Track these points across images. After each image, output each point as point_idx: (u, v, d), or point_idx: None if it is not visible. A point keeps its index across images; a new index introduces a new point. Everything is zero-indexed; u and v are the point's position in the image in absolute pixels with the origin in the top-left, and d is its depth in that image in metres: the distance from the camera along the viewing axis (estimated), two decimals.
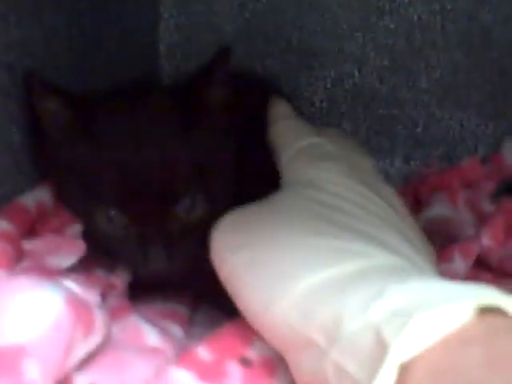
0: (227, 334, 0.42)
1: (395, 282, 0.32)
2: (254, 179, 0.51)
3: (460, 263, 0.56)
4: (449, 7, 0.78)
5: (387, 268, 0.35)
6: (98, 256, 0.51)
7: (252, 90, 0.63)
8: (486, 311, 0.28)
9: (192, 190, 0.48)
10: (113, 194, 0.46)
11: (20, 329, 0.34)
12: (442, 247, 0.63)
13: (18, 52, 0.49)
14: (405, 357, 0.28)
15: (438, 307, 0.28)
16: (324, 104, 0.82)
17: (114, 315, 0.45)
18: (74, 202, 0.49)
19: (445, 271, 0.54)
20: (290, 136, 0.51)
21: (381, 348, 0.29)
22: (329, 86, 0.82)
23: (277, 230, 0.40)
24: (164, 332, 0.47)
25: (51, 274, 0.43)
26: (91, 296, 0.42)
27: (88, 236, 0.49)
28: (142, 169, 0.46)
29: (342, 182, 0.45)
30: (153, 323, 0.48)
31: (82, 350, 0.38)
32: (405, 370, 0.28)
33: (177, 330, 0.50)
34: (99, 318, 0.40)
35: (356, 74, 0.81)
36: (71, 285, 0.41)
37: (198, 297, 0.56)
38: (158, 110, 0.50)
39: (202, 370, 0.40)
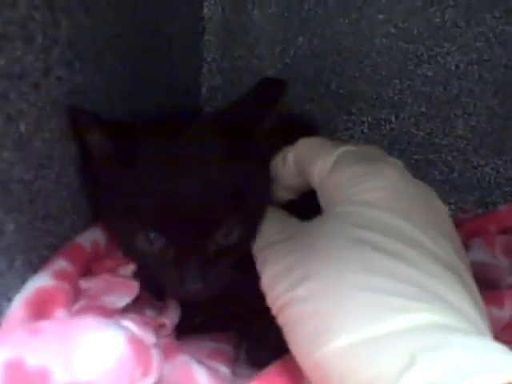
0: (276, 373, 0.43)
1: (432, 348, 0.32)
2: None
3: (509, 310, 0.57)
4: (486, 57, 0.79)
5: (432, 327, 0.35)
6: (147, 296, 0.53)
7: (292, 126, 0.64)
8: None
9: (230, 220, 0.48)
10: (153, 218, 0.47)
11: (89, 366, 0.36)
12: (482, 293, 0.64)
13: (80, 96, 0.52)
14: None
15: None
16: None
17: (164, 355, 0.46)
18: (118, 226, 0.50)
19: (492, 315, 0.54)
20: (324, 146, 0.50)
21: None
22: (366, 130, 0.84)
23: (328, 272, 0.40)
24: (212, 372, 0.48)
25: (108, 313, 0.45)
26: (148, 336, 0.43)
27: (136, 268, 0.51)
28: (182, 196, 0.47)
29: (394, 204, 0.43)
30: (201, 363, 0.49)
31: None
32: None
33: (223, 370, 0.51)
34: (156, 358, 0.41)
35: (393, 119, 0.83)
36: (130, 325, 0.42)
37: (241, 333, 0.57)
38: (201, 139, 0.50)
39: None
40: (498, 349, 0.32)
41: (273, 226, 0.49)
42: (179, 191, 0.47)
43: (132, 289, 0.49)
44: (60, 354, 0.36)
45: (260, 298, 0.45)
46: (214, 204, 0.47)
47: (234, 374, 0.51)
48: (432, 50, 0.80)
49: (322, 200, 0.48)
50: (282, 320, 0.42)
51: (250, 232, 0.50)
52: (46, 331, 0.36)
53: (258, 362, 0.48)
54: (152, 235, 0.48)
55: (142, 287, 0.51)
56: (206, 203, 0.47)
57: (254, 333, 0.54)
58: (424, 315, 0.35)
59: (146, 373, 0.40)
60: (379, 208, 0.43)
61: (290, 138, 0.55)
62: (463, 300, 0.38)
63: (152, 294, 0.54)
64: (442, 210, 0.46)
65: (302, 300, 0.40)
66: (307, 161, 0.50)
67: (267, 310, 0.44)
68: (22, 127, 0.44)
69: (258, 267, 0.46)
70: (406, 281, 0.38)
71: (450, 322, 0.35)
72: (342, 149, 0.48)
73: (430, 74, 0.81)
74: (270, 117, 0.51)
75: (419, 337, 0.34)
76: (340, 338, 0.35)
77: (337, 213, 0.45)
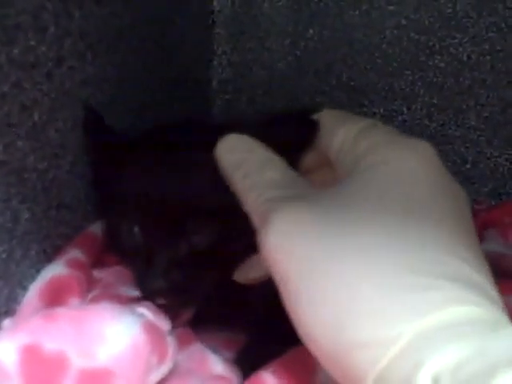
0: (292, 360, 0.43)
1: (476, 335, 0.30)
2: None
3: None
4: (498, 47, 0.79)
5: (477, 318, 0.31)
6: None
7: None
8: None
9: (202, 217, 0.47)
10: (135, 214, 0.48)
11: (105, 352, 0.36)
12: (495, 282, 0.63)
13: (93, 88, 0.52)
14: None
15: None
16: None
17: (179, 343, 0.46)
18: (109, 219, 0.51)
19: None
20: (345, 116, 0.45)
21: None
22: None
23: (354, 253, 0.33)
24: (227, 360, 0.48)
25: (123, 301, 0.45)
26: (163, 323, 0.43)
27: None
28: (158, 194, 0.47)
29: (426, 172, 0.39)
30: (215, 352, 0.49)
31: (155, 376, 0.40)
32: None
33: None
34: (171, 346, 0.41)
35: (405, 111, 0.82)
36: (145, 311, 0.42)
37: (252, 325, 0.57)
38: (191, 149, 0.49)
39: None
40: None
41: (268, 175, 0.40)
42: (155, 190, 0.47)
43: None
44: (76, 340, 0.36)
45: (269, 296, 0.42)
46: (187, 203, 0.47)
47: None
48: (444, 41, 0.79)
49: (341, 169, 0.42)
50: (293, 306, 0.35)
51: (228, 242, 0.48)
52: (62, 318, 0.36)
53: (263, 356, 0.47)
54: (135, 230, 0.48)
55: None
56: (179, 201, 0.47)
57: (263, 326, 0.54)
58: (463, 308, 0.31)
59: (161, 360, 0.40)
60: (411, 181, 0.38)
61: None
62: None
63: None
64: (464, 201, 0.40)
65: (318, 286, 0.33)
66: (326, 130, 0.44)
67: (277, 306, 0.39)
68: (36, 116, 0.44)
69: (257, 227, 0.38)
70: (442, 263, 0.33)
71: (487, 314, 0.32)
72: (369, 120, 0.44)
73: (441, 65, 0.80)
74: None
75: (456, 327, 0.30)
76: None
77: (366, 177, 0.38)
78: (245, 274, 0.48)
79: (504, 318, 0.32)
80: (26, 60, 0.43)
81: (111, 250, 0.53)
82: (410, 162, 0.39)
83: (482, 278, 0.34)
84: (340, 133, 0.43)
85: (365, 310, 0.32)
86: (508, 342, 0.29)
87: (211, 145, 0.44)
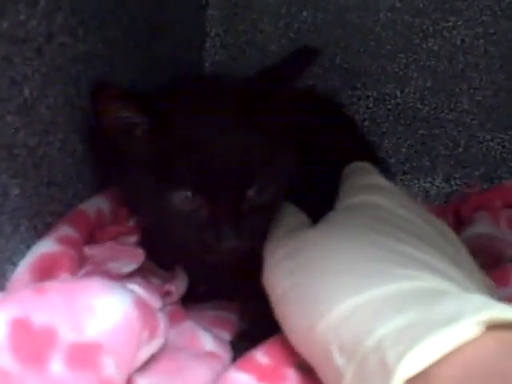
0: (283, 341, 0.44)
1: (420, 303, 0.33)
2: (313, 183, 0.53)
3: None
4: (491, 31, 0.79)
5: (427, 290, 0.36)
6: (154, 263, 0.53)
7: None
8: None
9: (262, 177, 0.49)
10: (191, 178, 0.47)
11: (96, 326, 0.36)
12: (485, 265, 0.64)
13: (84, 65, 0.51)
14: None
15: (440, 330, 0.29)
16: (366, 123, 0.83)
17: (170, 320, 0.46)
18: (146, 194, 0.50)
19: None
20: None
21: (385, 373, 0.30)
22: (371, 105, 0.83)
23: (326, 255, 0.42)
24: (217, 338, 0.48)
25: (114, 277, 0.45)
26: (154, 300, 0.44)
27: (155, 231, 0.52)
28: (218, 155, 0.47)
29: (395, 208, 0.46)
30: (206, 329, 0.49)
31: (146, 351, 0.40)
32: None
33: (226, 337, 0.51)
34: (162, 322, 0.41)
35: (398, 94, 0.82)
36: (136, 288, 0.42)
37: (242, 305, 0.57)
38: (231, 104, 0.51)
39: (261, 374, 0.41)
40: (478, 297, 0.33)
41: (283, 224, 0.50)
42: (215, 151, 0.48)
43: (137, 256, 0.49)
44: (66, 314, 0.36)
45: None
46: (248, 162, 0.48)
47: None
48: (437, 24, 0.79)
49: None
50: (280, 306, 0.43)
51: (280, 193, 0.51)
52: (52, 291, 0.36)
53: (254, 336, 0.47)
54: (188, 194, 0.48)
55: (147, 257, 0.51)
56: (241, 161, 0.48)
57: (254, 307, 0.54)
58: (424, 282, 0.36)
59: (152, 335, 0.40)
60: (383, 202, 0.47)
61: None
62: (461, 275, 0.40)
63: (157, 264, 0.54)
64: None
65: (297, 284, 0.41)
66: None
67: None
68: (27, 92, 0.44)
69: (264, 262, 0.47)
70: (406, 256, 0.40)
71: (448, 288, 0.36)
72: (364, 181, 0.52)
73: (435, 48, 0.80)
74: (295, 81, 0.51)
75: (417, 298, 0.34)
76: (334, 309, 0.36)
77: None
78: None
79: (454, 289, 0.36)
80: (16, 34, 0.42)
81: (137, 222, 0.53)
82: None
83: (440, 262, 0.39)
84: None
85: (324, 292, 0.38)
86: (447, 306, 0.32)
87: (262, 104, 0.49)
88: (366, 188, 0.50)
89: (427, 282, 0.36)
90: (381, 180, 0.51)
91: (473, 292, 0.38)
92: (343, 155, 0.63)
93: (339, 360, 0.34)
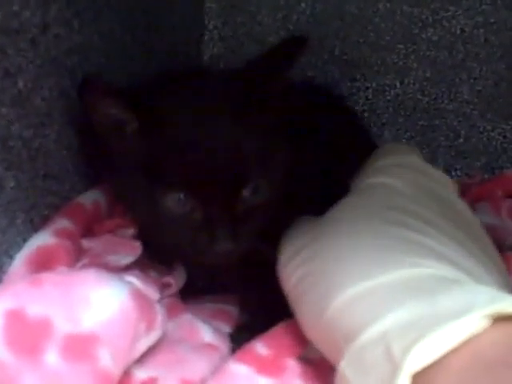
0: (283, 332, 0.43)
1: (429, 293, 0.33)
2: (308, 178, 0.52)
3: None
4: (492, 20, 0.78)
5: (437, 278, 0.35)
6: (152, 258, 0.52)
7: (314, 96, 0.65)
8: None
9: (256, 175, 0.48)
10: (183, 180, 0.46)
11: (91, 317, 0.35)
12: None
13: (79, 57, 0.51)
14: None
15: (448, 323, 0.29)
16: (366, 114, 0.83)
17: (168, 313, 0.46)
18: (137, 194, 0.49)
19: None
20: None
21: (391, 365, 0.30)
22: (370, 96, 0.83)
23: (336, 243, 0.41)
24: (217, 330, 0.48)
25: (111, 270, 0.44)
26: (151, 292, 0.43)
27: (149, 230, 0.50)
28: (211, 155, 0.46)
29: (407, 192, 0.46)
30: (205, 322, 0.49)
31: (144, 343, 0.39)
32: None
33: (226, 329, 0.51)
34: (160, 314, 0.41)
35: (398, 85, 0.82)
36: (133, 280, 0.42)
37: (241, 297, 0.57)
38: (220, 96, 0.50)
39: (260, 365, 0.40)
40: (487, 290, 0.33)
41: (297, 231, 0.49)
42: (206, 151, 0.46)
43: (135, 249, 0.49)
44: (62, 305, 0.35)
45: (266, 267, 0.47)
46: (242, 160, 0.47)
47: None
48: (437, 14, 0.79)
49: None
50: (293, 295, 0.43)
51: (275, 192, 0.50)
52: (47, 282, 0.36)
53: (253, 328, 0.47)
54: (181, 196, 0.47)
55: (144, 251, 0.50)
56: (234, 160, 0.47)
57: (254, 299, 0.54)
58: (431, 270, 0.36)
59: (150, 327, 0.39)
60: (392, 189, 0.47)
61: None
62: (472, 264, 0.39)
63: (154, 258, 0.53)
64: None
65: (309, 272, 0.41)
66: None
67: (270, 279, 0.46)
68: (21, 84, 0.43)
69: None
70: (415, 243, 0.39)
71: (446, 274, 0.36)
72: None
73: (434, 38, 0.80)
74: (287, 71, 0.50)
75: (422, 287, 0.34)
76: (341, 294, 0.36)
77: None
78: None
79: (464, 278, 0.36)
80: (10, 25, 0.42)
81: (132, 219, 0.52)
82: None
83: (450, 250, 0.38)
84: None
85: (333, 278, 0.38)
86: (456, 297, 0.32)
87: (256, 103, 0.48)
88: (391, 167, 0.49)
89: (438, 270, 0.36)
90: (407, 159, 0.51)
91: (485, 282, 0.37)
92: (344, 150, 0.62)
93: (343, 345, 0.34)
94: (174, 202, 0.47)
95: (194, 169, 0.46)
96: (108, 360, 0.34)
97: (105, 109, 0.47)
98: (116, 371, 0.35)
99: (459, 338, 0.29)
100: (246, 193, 0.48)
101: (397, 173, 0.48)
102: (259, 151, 0.48)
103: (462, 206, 0.48)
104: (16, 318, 0.34)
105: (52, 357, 0.34)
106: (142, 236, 0.52)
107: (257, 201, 0.48)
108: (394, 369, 0.29)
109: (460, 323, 0.29)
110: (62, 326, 0.35)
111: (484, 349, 0.28)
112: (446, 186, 0.50)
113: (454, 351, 0.29)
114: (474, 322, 0.29)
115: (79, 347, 0.34)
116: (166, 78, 0.53)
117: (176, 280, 0.51)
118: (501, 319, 0.29)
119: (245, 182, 0.47)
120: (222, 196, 0.46)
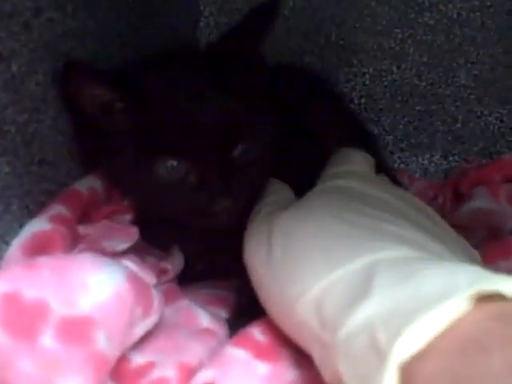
0: None
1: (407, 276, 0.32)
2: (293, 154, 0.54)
3: None
4: (488, 3, 0.77)
5: (409, 259, 0.35)
6: (149, 243, 0.52)
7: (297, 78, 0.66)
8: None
9: (245, 135, 0.49)
10: (173, 145, 0.47)
11: (87, 301, 0.35)
12: (485, 239, 0.63)
13: (73, 42, 0.51)
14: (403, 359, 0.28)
15: (432, 308, 0.28)
16: (363, 100, 0.83)
17: (166, 299, 0.46)
18: (131, 171, 0.49)
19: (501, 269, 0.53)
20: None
21: (377, 355, 0.29)
22: (367, 82, 0.82)
23: (299, 236, 0.41)
24: (214, 315, 0.48)
25: (108, 255, 0.44)
26: (148, 276, 0.43)
27: (147, 207, 0.51)
28: (198, 119, 0.47)
29: (369, 189, 0.47)
30: (202, 307, 0.49)
31: (141, 328, 0.39)
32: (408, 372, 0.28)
33: (224, 314, 0.51)
34: (156, 299, 0.41)
35: (395, 70, 0.81)
36: (129, 264, 0.42)
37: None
38: (203, 66, 0.51)
39: (258, 350, 0.40)
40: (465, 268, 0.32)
41: (267, 201, 0.51)
42: (194, 116, 0.47)
43: (131, 235, 0.48)
44: (58, 288, 0.35)
45: None
46: (228, 122, 0.48)
47: None
48: None
49: None
50: (261, 293, 0.43)
51: (264, 151, 0.51)
52: (43, 266, 0.36)
53: (251, 314, 0.47)
54: (174, 163, 0.48)
55: (142, 237, 0.50)
56: (223, 121, 0.48)
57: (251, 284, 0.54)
58: (397, 252, 0.36)
59: (146, 312, 0.39)
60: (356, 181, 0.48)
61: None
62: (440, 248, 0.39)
63: (152, 243, 0.53)
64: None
65: (273, 268, 0.41)
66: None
67: None
68: (14, 67, 0.43)
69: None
70: (382, 231, 0.39)
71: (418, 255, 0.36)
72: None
73: (431, 22, 0.79)
74: (262, 36, 0.52)
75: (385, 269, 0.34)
76: (312, 288, 0.36)
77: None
78: None
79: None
80: (2, 8, 0.41)
81: (129, 203, 0.52)
82: None
83: (425, 240, 0.38)
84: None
85: (299, 272, 0.38)
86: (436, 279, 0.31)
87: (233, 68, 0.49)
88: (342, 174, 0.50)
89: (408, 252, 0.36)
90: (360, 167, 0.52)
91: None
92: (327, 129, 0.65)
93: (324, 336, 0.34)
94: (167, 169, 0.48)
95: (182, 134, 0.47)
96: (104, 343, 0.34)
97: (91, 90, 0.48)
98: (112, 354, 0.35)
99: (443, 323, 0.28)
100: (236, 153, 0.49)
101: (350, 177, 0.50)
102: (245, 114, 0.49)
103: (410, 195, 0.49)
104: (12, 301, 0.34)
105: (48, 339, 0.34)
106: (140, 220, 0.52)
107: (247, 160, 0.50)
108: (382, 358, 0.29)
109: (444, 307, 0.28)
110: (58, 308, 0.35)
111: (465, 332, 0.28)
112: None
113: (437, 337, 0.28)
114: (459, 304, 0.28)
115: (75, 330, 0.34)
116: (153, 57, 0.55)
117: (173, 266, 0.51)
118: (483, 299, 0.29)
119: (235, 142, 0.49)
120: (214, 157, 0.48)
